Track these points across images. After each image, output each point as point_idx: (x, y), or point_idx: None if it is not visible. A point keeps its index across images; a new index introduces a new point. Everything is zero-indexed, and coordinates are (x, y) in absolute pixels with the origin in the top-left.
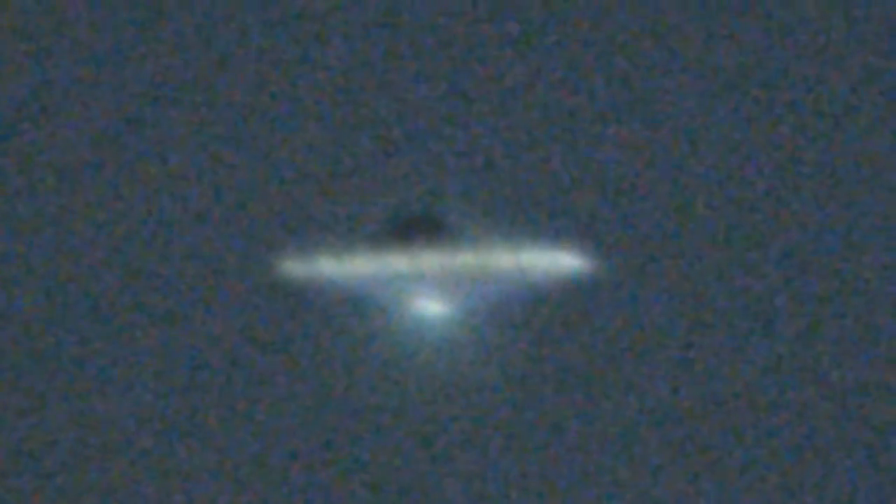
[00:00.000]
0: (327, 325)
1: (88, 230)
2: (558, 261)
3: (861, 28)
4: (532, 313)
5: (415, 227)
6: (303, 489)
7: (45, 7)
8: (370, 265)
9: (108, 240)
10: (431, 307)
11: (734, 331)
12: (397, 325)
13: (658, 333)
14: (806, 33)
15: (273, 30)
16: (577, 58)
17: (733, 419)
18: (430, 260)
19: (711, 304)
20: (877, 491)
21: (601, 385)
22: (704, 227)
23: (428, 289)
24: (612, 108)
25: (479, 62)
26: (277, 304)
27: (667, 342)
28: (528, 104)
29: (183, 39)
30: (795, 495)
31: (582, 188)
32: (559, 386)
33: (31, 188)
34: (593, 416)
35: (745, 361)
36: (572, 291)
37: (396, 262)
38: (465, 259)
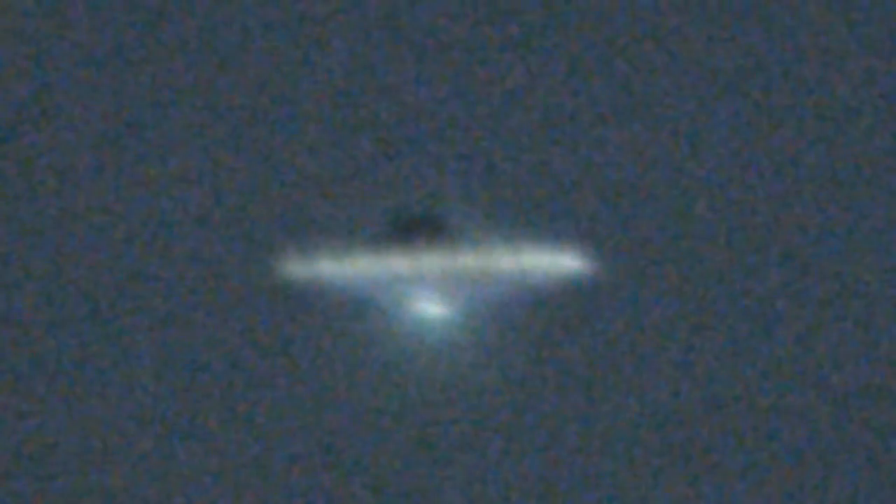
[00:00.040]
0: (328, 327)
1: (89, 232)
2: (559, 263)
3: (862, 31)
4: (533, 315)
5: (416, 229)
6: (304, 492)
7: (46, 10)
8: (371, 267)
9: (109, 242)
10: (432, 309)
11: (735, 333)
12: (398, 326)
13: (659, 336)
14: (807, 36)
15: (274, 32)
16: (578, 60)
17: (734, 422)
18: (431, 262)
19: (712, 306)
20: (877, 494)
21: (602, 387)
22: (706, 229)
23: (429, 291)
24: (614, 110)
25: (480, 64)
26: (278, 307)
27: (668, 345)
28: (530, 106)
29: (183, 42)
30: (796, 498)
31: (583, 190)
32: (560, 388)
33: (32, 191)
34: (594, 418)
35: (747, 364)
36: (573, 293)
37: (397, 264)
38: (466, 261)
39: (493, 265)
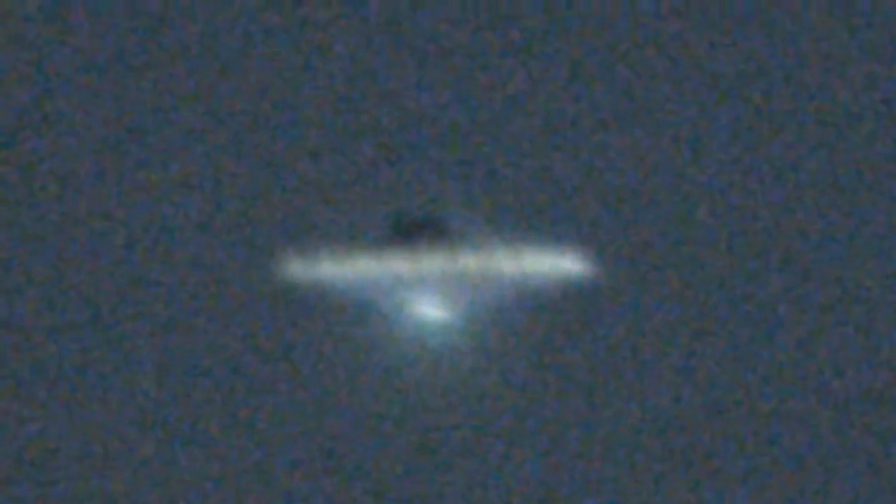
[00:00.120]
0: (330, 330)
1: (91, 237)
2: (560, 266)
3: (862, 36)
4: (534, 319)
5: (418, 232)
6: (305, 496)
7: (47, 15)
8: (373, 270)
9: (111, 246)
10: (434, 313)
11: (737, 338)
12: (400, 330)
13: (660, 340)
14: (808, 41)
15: (276, 38)
16: (579, 64)
17: (736, 427)
18: (432, 265)
19: (714, 310)
20: (878, 499)
21: (603, 392)
22: (707, 232)
23: (430, 294)
24: (615, 115)
25: (482, 69)
26: (280, 310)
27: (669, 349)
28: (531, 110)
29: (185, 47)
30: (796, 502)
31: (584, 194)
32: (561, 392)
33: (33, 195)
34: (596, 422)
35: (747, 369)
36: (574, 297)
37: (399, 268)
38: (467, 265)
39: (494, 269)
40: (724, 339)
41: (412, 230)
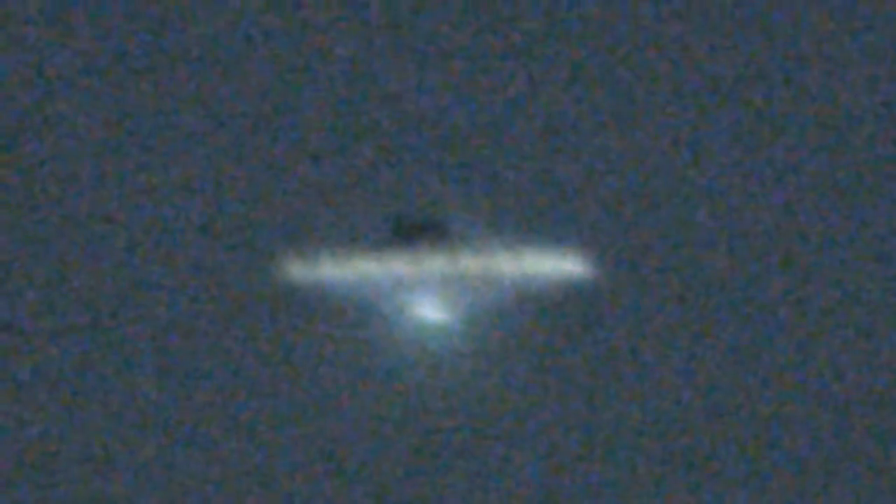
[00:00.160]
0: (330, 332)
1: (92, 240)
2: (561, 269)
3: (863, 39)
4: (535, 322)
5: (418, 234)
6: (306, 499)
7: (48, 19)
8: (374, 273)
9: (111, 249)
10: (434, 314)
11: (738, 341)
12: (400, 332)
13: (662, 342)
14: (809, 45)
15: (277, 41)
16: (580, 66)
17: (736, 430)
18: (433, 268)
19: (715, 313)
20: (879, 501)
21: (604, 393)
22: (708, 235)
23: (431, 297)
24: (616, 116)
25: (482, 70)
26: (280, 312)
27: (670, 351)
28: (532, 111)
29: (185, 49)
30: None
31: (586, 196)
32: (562, 394)
33: (34, 198)
34: (597, 424)
35: (748, 372)
36: (575, 299)
37: (400, 270)
38: (469, 267)
39: (494, 271)
40: (725, 342)
41: (413, 232)
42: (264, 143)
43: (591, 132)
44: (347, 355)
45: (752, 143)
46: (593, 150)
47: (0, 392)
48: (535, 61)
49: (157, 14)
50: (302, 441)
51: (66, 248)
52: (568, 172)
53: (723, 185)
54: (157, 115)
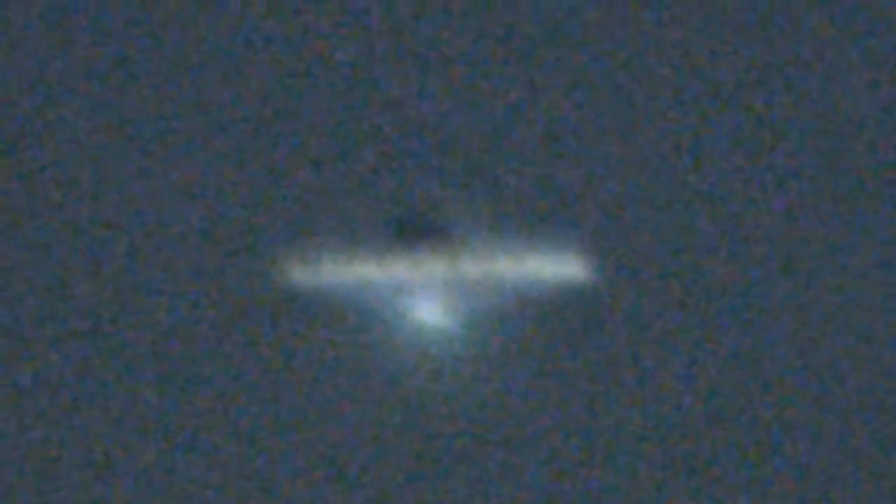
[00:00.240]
0: (331, 337)
1: (92, 242)
2: (564, 273)
3: (864, 45)
4: (537, 325)
5: (419, 238)
6: (306, 503)
7: (48, 24)
8: (374, 277)
9: (110, 252)
10: (436, 319)
11: (740, 344)
12: (401, 336)
13: (664, 346)
14: (810, 50)
15: (277, 44)
16: (582, 70)
17: (739, 436)
18: (434, 271)
19: (718, 318)
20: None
21: (606, 398)
22: (710, 240)
23: (432, 301)
24: (618, 121)
25: (483, 74)
26: (281, 316)
27: (673, 355)
28: (534, 116)
29: (185, 53)
30: None
31: (587, 200)
32: (564, 398)
33: (32, 202)
34: (598, 429)
35: (751, 378)
36: (577, 304)
37: (401, 274)
38: (470, 271)
39: (496, 276)
40: (728, 347)
41: (414, 237)
42: (265, 148)
43: (592, 137)
44: (348, 360)
45: (754, 148)
46: (595, 155)
47: (0, 397)
48: (536, 66)
49: (157, 19)
50: (303, 446)
51: (66, 253)
52: (569, 177)
53: (724, 191)
54: (158, 120)
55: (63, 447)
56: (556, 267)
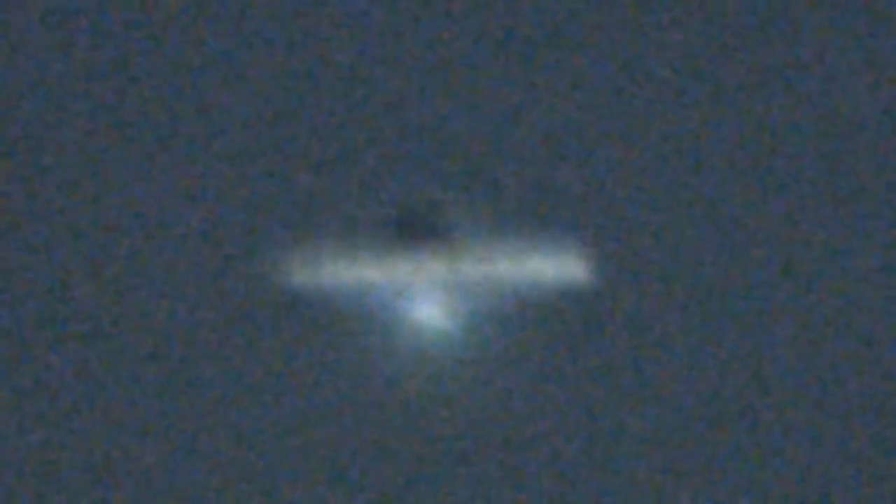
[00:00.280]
0: (331, 339)
1: (92, 243)
2: (565, 274)
3: (866, 46)
4: (538, 327)
5: (420, 239)
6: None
7: (48, 26)
8: (375, 278)
9: (110, 254)
10: (436, 321)
11: (742, 346)
12: (401, 338)
13: (665, 348)
14: (812, 53)
15: (278, 46)
16: (583, 72)
17: (742, 437)
18: (435, 274)
19: (719, 319)
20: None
21: (607, 400)
22: (712, 242)
23: (433, 302)
24: (619, 122)
25: (484, 76)
26: (281, 319)
27: (674, 357)
28: (535, 116)
29: (185, 52)
30: None
31: (589, 201)
32: (564, 400)
33: (33, 204)
34: (599, 431)
35: (752, 379)
36: (579, 305)
37: (401, 276)
38: (471, 272)
39: (497, 278)
40: (729, 350)
41: (414, 239)
42: (265, 150)
43: (593, 139)
44: (349, 362)
45: (756, 151)
46: (596, 157)
47: (0, 400)
48: (536, 68)
49: (157, 21)
50: (303, 449)
51: (67, 255)
52: (570, 180)
53: (726, 194)
54: (158, 122)
55: (63, 450)
56: (556, 269)
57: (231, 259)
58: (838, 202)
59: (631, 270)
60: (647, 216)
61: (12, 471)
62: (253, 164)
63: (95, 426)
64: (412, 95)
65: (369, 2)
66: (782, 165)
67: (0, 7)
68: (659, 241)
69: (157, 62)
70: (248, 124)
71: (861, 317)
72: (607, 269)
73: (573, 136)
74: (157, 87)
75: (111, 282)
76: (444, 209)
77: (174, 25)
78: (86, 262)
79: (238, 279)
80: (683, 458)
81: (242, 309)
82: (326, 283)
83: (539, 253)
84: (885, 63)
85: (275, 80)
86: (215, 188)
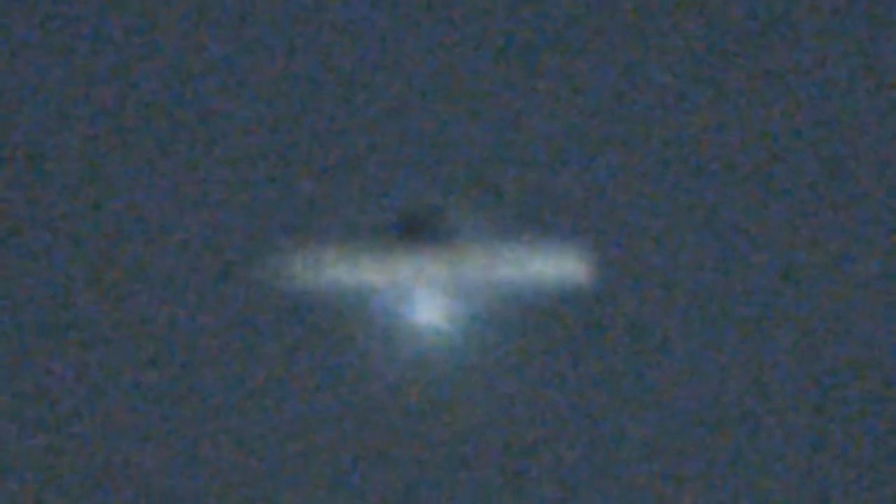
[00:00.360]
0: (332, 339)
1: (92, 244)
2: (566, 275)
3: (869, 49)
4: (538, 328)
5: (421, 241)
6: None
7: (48, 28)
8: (376, 281)
9: (110, 254)
10: (438, 323)
11: (743, 347)
12: (403, 340)
13: (666, 349)
14: (814, 56)
15: (279, 48)
16: (584, 75)
17: (743, 439)
18: (436, 275)
19: (720, 320)
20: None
21: (608, 401)
22: (715, 243)
23: (434, 305)
24: (620, 124)
25: (484, 78)
26: (282, 318)
27: (675, 358)
28: (536, 117)
29: (187, 55)
30: None
31: (590, 202)
32: (565, 403)
33: (33, 203)
34: (600, 432)
35: (754, 381)
36: (580, 308)
37: (401, 277)
38: (471, 273)
39: (498, 280)
40: (731, 354)
41: (416, 243)
42: (267, 156)
43: (594, 144)
44: (351, 368)
45: (757, 157)
46: (597, 162)
47: (1, 404)
48: (538, 73)
49: (159, 27)
50: (304, 452)
51: (68, 262)
52: (572, 184)
53: (727, 199)
54: (159, 128)
55: (65, 456)
56: (558, 274)
57: (233, 264)
58: (839, 208)
59: (632, 276)
60: (649, 221)
61: (14, 476)
62: (255, 170)
63: (97, 432)
64: (414, 100)
65: (371, 7)
66: (783, 171)
67: (1, 12)
68: (660, 246)
69: (159, 68)
70: (250, 130)
71: (862, 323)
72: (609, 275)
73: (575, 141)
74: (158, 92)
75: (113, 287)
76: (446, 214)
77: (176, 31)
78: (87, 268)
79: (240, 284)
80: (684, 463)
81: (244, 314)
82: (328, 288)
83: (541, 258)
84: (886, 69)
85: (276, 85)
86: (217, 194)
